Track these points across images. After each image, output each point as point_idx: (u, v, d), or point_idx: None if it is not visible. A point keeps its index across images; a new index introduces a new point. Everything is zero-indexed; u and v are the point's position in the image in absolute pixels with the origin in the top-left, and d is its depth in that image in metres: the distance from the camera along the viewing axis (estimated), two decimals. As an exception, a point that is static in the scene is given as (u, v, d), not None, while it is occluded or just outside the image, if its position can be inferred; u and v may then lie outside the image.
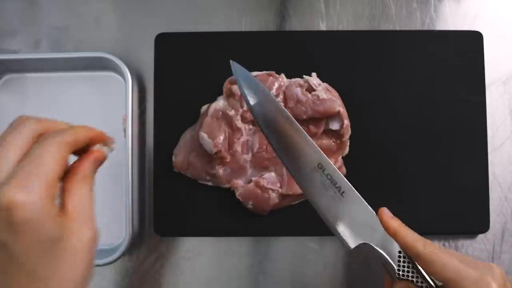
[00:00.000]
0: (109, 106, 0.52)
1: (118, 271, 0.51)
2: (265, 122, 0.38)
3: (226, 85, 0.49)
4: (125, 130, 0.49)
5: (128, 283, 0.51)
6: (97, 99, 0.52)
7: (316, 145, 0.38)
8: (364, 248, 0.36)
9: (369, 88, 0.50)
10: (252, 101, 0.38)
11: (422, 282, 0.35)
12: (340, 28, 0.53)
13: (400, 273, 0.35)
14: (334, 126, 0.48)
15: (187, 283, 0.51)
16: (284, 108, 0.39)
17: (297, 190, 0.47)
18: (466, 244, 0.51)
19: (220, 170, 0.48)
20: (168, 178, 0.50)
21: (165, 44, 0.51)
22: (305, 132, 0.38)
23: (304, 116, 0.47)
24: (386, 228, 0.36)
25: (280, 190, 0.47)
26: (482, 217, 0.49)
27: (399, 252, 0.36)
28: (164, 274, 0.51)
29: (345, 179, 0.37)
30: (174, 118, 0.50)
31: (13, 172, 0.26)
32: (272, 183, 0.47)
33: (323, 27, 0.53)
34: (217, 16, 0.53)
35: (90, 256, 0.29)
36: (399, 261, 0.36)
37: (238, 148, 0.47)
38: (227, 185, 0.49)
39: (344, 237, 0.37)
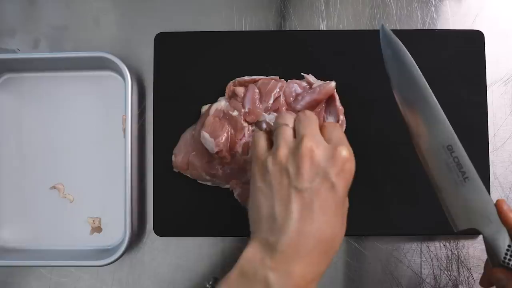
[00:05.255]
0: (108, 106, 0.52)
1: (118, 271, 0.51)
2: (403, 94, 0.40)
3: (229, 86, 0.49)
4: (124, 130, 0.49)
5: (128, 283, 0.51)
6: (96, 99, 0.52)
7: (450, 126, 0.39)
8: (471, 232, 0.38)
9: (370, 88, 0.50)
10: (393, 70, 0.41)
11: None
12: (341, 27, 0.53)
13: (505, 265, 0.36)
14: (330, 120, 0.48)
15: (187, 283, 0.51)
16: (424, 81, 0.40)
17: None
18: (467, 245, 0.51)
19: (220, 170, 0.48)
20: (168, 178, 0.50)
21: (165, 43, 0.51)
22: (442, 111, 0.39)
23: (302, 103, 0.47)
24: (504, 220, 0.37)
25: (280, 190, 0.47)
26: (483, 217, 0.49)
27: (509, 246, 0.36)
28: (164, 274, 0.51)
29: (473, 166, 0.38)
30: (174, 118, 0.50)
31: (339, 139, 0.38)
32: (272, 184, 0.47)
33: (323, 26, 0.53)
34: (217, 16, 0.53)
35: None
36: (506, 253, 0.36)
37: (239, 149, 0.47)
38: (227, 185, 0.49)
39: (456, 219, 0.38)
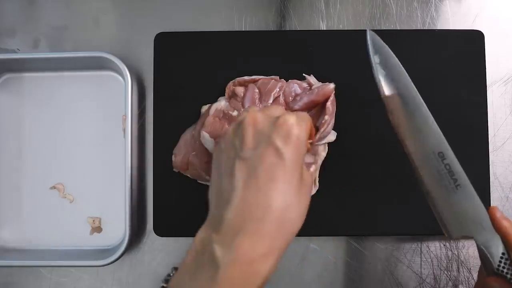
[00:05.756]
0: (108, 106, 0.52)
1: (118, 271, 0.51)
2: (393, 98, 0.39)
3: (229, 86, 0.49)
4: (124, 130, 0.49)
5: (128, 283, 0.51)
6: (96, 99, 0.52)
7: (442, 134, 0.38)
8: (465, 239, 0.38)
9: (370, 88, 0.50)
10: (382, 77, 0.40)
11: None
12: (341, 27, 0.53)
13: (499, 272, 0.36)
14: (319, 122, 0.47)
15: (187, 283, 0.51)
16: (413, 86, 0.39)
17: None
18: (467, 245, 0.51)
19: (220, 170, 0.48)
20: (168, 178, 0.50)
21: (165, 43, 0.51)
22: (433, 118, 0.38)
23: (300, 103, 0.47)
24: (497, 228, 0.37)
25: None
26: (483, 217, 0.49)
27: (502, 253, 0.36)
28: (164, 275, 0.51)
29: (464, 173, 0.37)
30: (174, 118, 0.50)
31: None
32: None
33: (323, 26, 0.53)
34: (217, 16, 0.53)
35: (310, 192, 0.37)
36: (500, 261, 0.36)
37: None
38: (227, 185, 0.49)
39: (448, 227, 0.38)
